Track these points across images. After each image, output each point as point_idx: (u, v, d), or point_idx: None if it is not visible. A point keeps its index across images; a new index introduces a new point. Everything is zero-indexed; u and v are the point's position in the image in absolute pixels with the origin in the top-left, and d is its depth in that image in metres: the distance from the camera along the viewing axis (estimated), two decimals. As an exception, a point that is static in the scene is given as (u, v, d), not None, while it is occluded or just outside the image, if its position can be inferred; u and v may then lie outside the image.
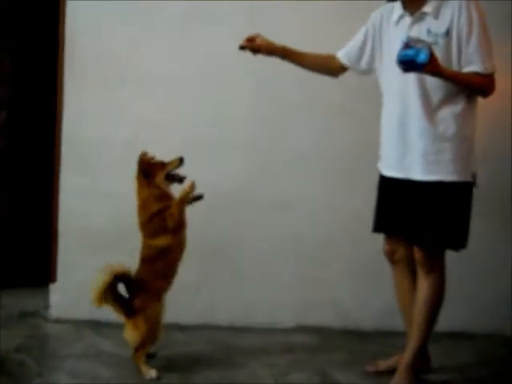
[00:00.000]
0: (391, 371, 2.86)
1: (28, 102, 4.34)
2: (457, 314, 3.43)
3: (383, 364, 2.96)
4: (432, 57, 2.44)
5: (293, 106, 3.52)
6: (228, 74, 3.51)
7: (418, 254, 2.73)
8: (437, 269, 2.73)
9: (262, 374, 2.94)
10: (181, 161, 2.98)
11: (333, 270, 3.56)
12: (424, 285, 2.73)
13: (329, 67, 2.94)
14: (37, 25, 4.25)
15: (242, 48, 2.87)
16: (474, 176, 2.68)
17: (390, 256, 2.91)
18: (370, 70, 2.88)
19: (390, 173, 2.78)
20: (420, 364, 2.84)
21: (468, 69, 2.57)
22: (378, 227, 2.89)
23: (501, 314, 3.49)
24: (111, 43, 3.56)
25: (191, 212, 3.56)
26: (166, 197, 2.96)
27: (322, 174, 3.54)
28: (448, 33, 2.56)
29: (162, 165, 2.97)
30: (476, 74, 2.57)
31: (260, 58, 3.45)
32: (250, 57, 3.49)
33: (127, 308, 2.84)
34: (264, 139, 3.54)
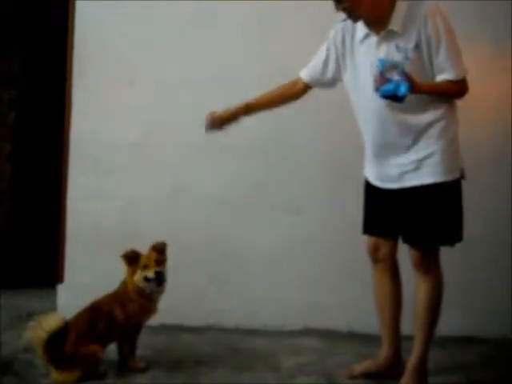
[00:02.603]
0: (367, 375, 2.90)
1: (37, 102, 4.36)
2: (463, 318, 3.42)
3: (357, 368, 2.95)
4: (411, 81, 2.45)
5: (303, 109, 3.51)
6: (238, 76, 3.51)
7: (414, 256, 2.72)
8: (434, 269, 2.73)
9: (268, 377, 2.93)
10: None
11: (340, 273, 3.55)
12: (422, 287, 2.73)
13: (290, 95, 2.92)
14: (46, 26, 4.28)
15: (211, 129, 2.91)
16: (462, 171, 2.71)
17: (374, 253, 2.90)
18: (333, 84, 2.87)
19: (383, 186, 2.78)
20: (394, 370, 2.87)
21: (440, 77, 2.57)
22: (368, 230, 2.90)
23: (508, 319, 3.47)
24: (120, 44, 3.57)
25: (200, 213, 3.58)
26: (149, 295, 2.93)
27: (331, 176, 3.53)
28: (417, 47, 2.54)
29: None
30: (449, 81, 2.56)
31: (269, 59, 3.48)
32: (259, 59, 3.51)
33: (57, 359, 2.74)
34: (274, 142, 3.54)
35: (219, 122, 2.89)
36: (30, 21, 4.30)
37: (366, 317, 3.44)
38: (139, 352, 2.97)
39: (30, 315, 3.59)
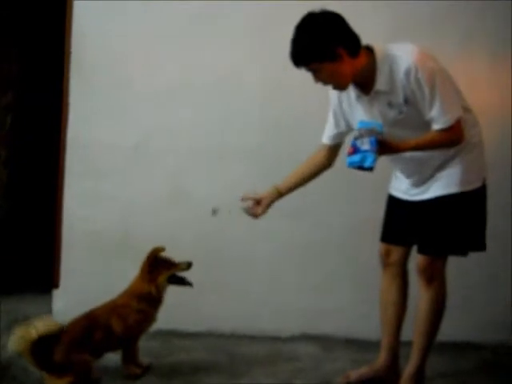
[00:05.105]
0: (363, 381, 2.89)
1: (34, 106, 4.35)
2: (462, 323, 3.42)
3: (354, 374, 2.95)
4: (382, 145, 2.46)
5: (301, 112, 3.51)
6: (238, 79, 3.51)
7: (421, 262, 2.73)
8: (438, 278, 2.73)
9: (264, 383, 2.92)
10: (189, 266, 2.96)
11: (337, 279, 3.55)
12: (425, 297, 2.73)
13: (320, 162, 2.89)
14: (44, 29, 4.27)
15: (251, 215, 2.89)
16: (484, 180, 2.72)
17: (385, 257, 2.91)
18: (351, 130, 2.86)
19: (408, 199, 2.80)
20: (391, 377, 2.88)
21: (433, 127, 2.55)
22: (386, 238, 2.91)
23: (506, 325, 3.47)
24: (119, 47, 3.56)
25: (197, 218, 3.57)
26: (155, 302, 2.93)
27: (330, 181, 3.51)
28: (407, 101, 2.53)
29: (170, 265, 2.94)
30: (438, 130, 2.54)
31: (269, 65, 3.48)
32: (258, 65, 3.51)
33: (47, 364, 2.71)
34: (272, 146, 3.54)
35: (261, 210, 2.86)
36: (27, 24, 4.30)
37: (363, 323, 3.45)
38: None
39: (27, 320, 3.58)
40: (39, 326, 2.71)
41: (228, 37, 3.51)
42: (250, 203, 2.86)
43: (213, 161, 3.55)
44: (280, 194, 2.88)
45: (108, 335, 2.84)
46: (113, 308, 2.90)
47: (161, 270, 2.92)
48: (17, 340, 2.69)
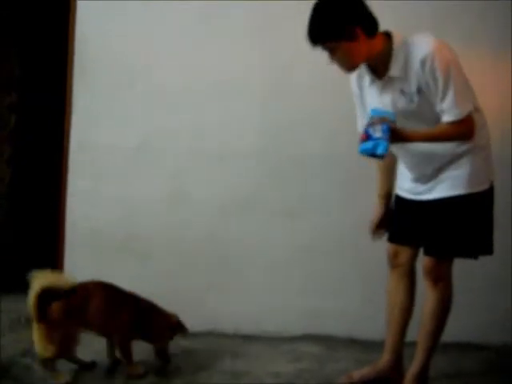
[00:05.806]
0: (365, 381, 2.88)
1: (37, 106, 4.36)
2: (465, 324, 3.40)
3: (357, 374, 2.94)
4: (394, 133, 2.46)
5: (302, 115, 3.50)
6: (237, 82, 3.51)
7: (427, 263, 2.72)
8: (444, 279, 2.72)
9: (267, 383, 2.92)
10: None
11: (341, 279, 3.54)
12: (431, 297, 2.73)
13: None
14: (47, 30, 4.28)
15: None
16: (491, 182, 2.70)
17: (393, 258, 2.90)
18: None
19: (413, 198, 2.79)
20: (394, 377, 2.87)
21: (443, 119, 2.53)
22: (393, 239, 2.90)
23: (509, 325, 3.46)
24: (121, 49, 3.56)
25: (199, 218, 3.57)
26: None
27: (331, 183, 3.52)
28: (420, 90, 2.51)
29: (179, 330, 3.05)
30: (449, 122, 2.52)
31: (269, 66, 3.47)
32: (260, 67, 3.51)
33: (41, 310, 2.77)
34: (272, 147, 3.53)
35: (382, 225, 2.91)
36: (30, 24, 4.30)
37: (366, 323, 3.45)
38: (138, 357, 2.95)
39: (29, 320, 3.58)
40: (51, 277, 2.77)
41: (228, 37, 3.51)
42: (375, 230, 2.93)
43: (213, 162, 3.54)
44: (387, 195, 2.89)
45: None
46: (132, 299, 2.93)
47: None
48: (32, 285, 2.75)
